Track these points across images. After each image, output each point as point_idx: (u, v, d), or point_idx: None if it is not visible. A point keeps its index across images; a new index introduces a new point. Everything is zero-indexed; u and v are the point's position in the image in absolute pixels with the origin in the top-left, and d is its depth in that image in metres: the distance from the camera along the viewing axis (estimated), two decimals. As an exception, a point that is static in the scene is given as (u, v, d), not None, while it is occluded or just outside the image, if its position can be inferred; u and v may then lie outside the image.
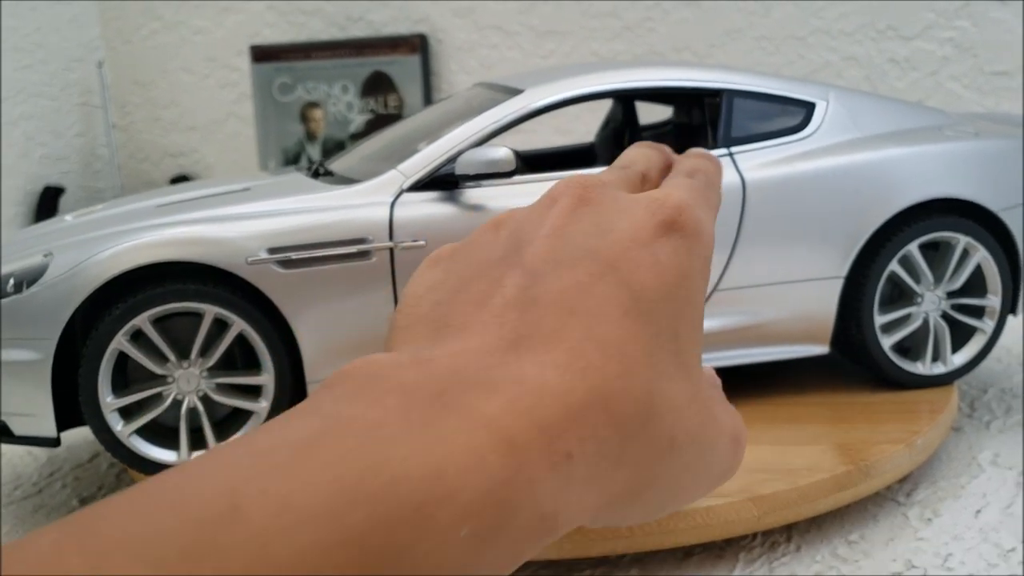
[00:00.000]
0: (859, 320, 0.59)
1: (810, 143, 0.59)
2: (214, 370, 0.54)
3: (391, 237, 0.53)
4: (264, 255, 0.52)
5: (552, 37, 1.15)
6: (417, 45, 1.16)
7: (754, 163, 0.58)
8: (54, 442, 0.53)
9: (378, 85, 1.17)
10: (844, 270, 0.58)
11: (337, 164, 0.63)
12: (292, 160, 1.21)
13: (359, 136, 1.17)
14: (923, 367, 0.62)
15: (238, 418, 0.55)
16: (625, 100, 0.72)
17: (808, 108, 0.60)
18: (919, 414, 0.59)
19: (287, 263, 0.52)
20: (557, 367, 0.27)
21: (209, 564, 0.19)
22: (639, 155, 0.43)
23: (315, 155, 1.20)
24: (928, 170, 0.59)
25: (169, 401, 0.53)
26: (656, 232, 0.33)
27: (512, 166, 0.53)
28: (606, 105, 0.74)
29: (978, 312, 0.62)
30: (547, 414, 0.26)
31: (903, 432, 0.56)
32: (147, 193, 0.62)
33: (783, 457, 0.53)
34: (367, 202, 0.54)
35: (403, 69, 1.16)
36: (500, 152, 0.53)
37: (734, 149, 0.58)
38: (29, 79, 1.23)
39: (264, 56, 1.21)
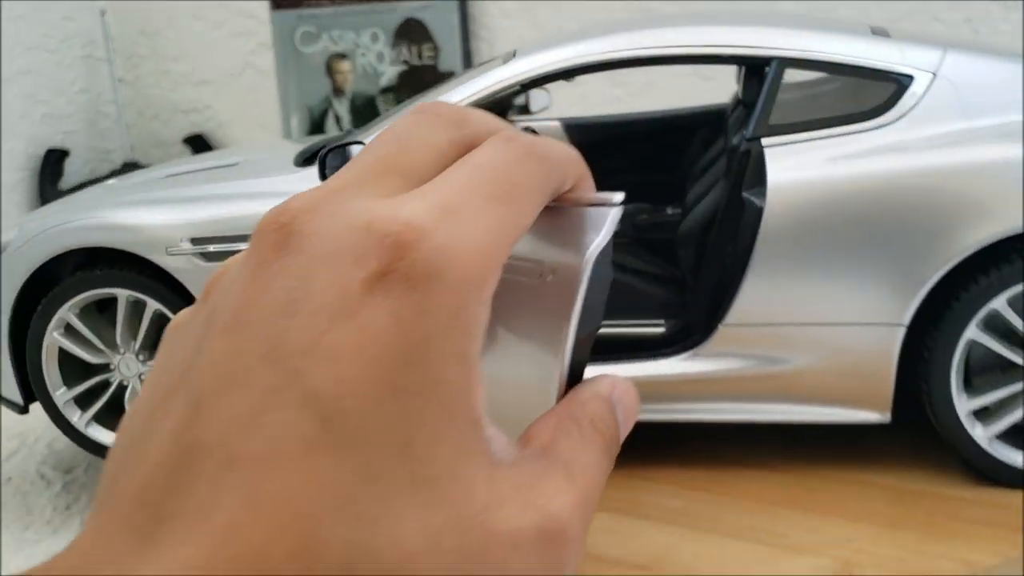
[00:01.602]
0: (930, 395, 0.43)
1: (884, 135, 0.42)
2: (149, 351, 0.51)
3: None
4: (186, 246, 0.48)
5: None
6: (457, -13, 1.03)
7: (790, 162, 0.42)
8: (21, 409, 0.54)
9: (411, 33, 1.04)
10: (905, 317, 0.42)
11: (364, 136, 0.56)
12: (317, 118, 1.10)
13: (390, 90, 1.05)
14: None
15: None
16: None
17: (899, 83, 0.43)
18: (1011, 530, 0.42)
19: (208, 256, 0.48)
20: (201, 562, 0.21)
21: None
22: (418, 134, 0.28)
23: (343, 112, 1.08)
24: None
25: (115, 387, 0.52)
26: (364, 290, 0.22)
27: None
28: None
29: None
30: None
31: (957, 562, 0.39)
32: (172, 162, 0.61)
33: (746, 566, 0.40)
34: (300, 189, 0.47)
35: (438, 14, 1.00)
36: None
37: (768, 141, 0.43)
38: (25, 30, 1.10)
39: (285, 2, 1.11)
